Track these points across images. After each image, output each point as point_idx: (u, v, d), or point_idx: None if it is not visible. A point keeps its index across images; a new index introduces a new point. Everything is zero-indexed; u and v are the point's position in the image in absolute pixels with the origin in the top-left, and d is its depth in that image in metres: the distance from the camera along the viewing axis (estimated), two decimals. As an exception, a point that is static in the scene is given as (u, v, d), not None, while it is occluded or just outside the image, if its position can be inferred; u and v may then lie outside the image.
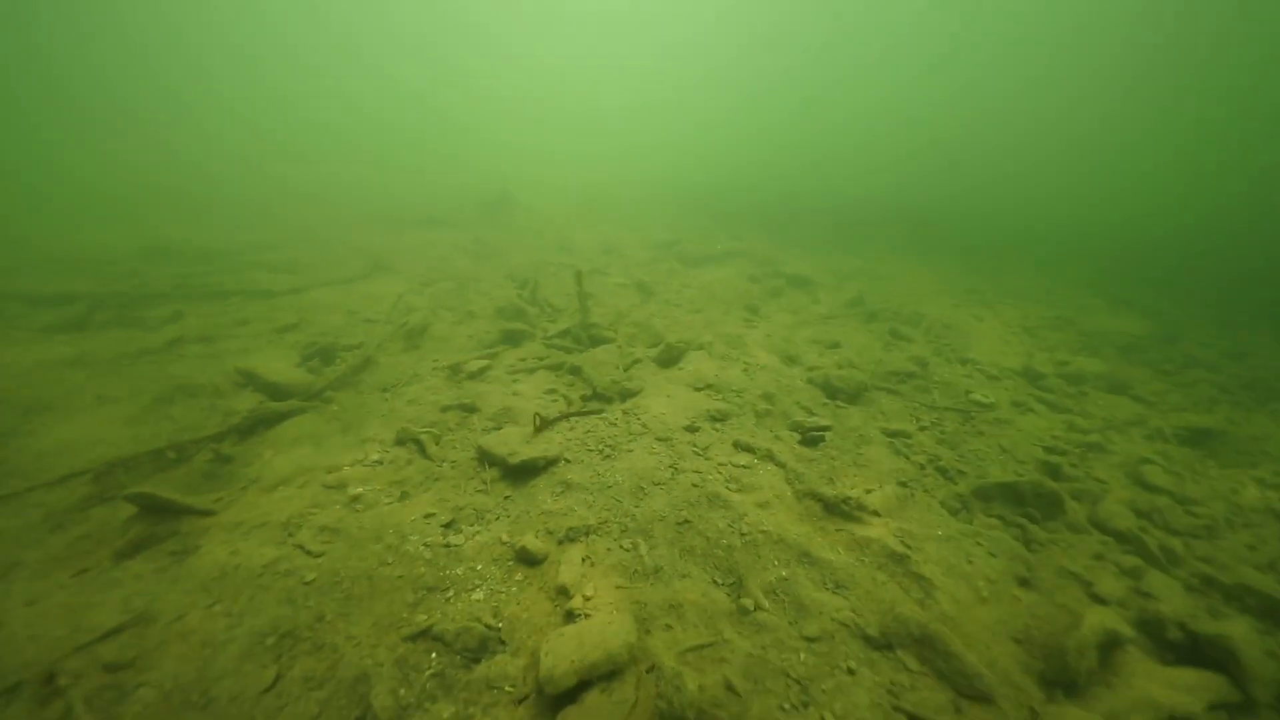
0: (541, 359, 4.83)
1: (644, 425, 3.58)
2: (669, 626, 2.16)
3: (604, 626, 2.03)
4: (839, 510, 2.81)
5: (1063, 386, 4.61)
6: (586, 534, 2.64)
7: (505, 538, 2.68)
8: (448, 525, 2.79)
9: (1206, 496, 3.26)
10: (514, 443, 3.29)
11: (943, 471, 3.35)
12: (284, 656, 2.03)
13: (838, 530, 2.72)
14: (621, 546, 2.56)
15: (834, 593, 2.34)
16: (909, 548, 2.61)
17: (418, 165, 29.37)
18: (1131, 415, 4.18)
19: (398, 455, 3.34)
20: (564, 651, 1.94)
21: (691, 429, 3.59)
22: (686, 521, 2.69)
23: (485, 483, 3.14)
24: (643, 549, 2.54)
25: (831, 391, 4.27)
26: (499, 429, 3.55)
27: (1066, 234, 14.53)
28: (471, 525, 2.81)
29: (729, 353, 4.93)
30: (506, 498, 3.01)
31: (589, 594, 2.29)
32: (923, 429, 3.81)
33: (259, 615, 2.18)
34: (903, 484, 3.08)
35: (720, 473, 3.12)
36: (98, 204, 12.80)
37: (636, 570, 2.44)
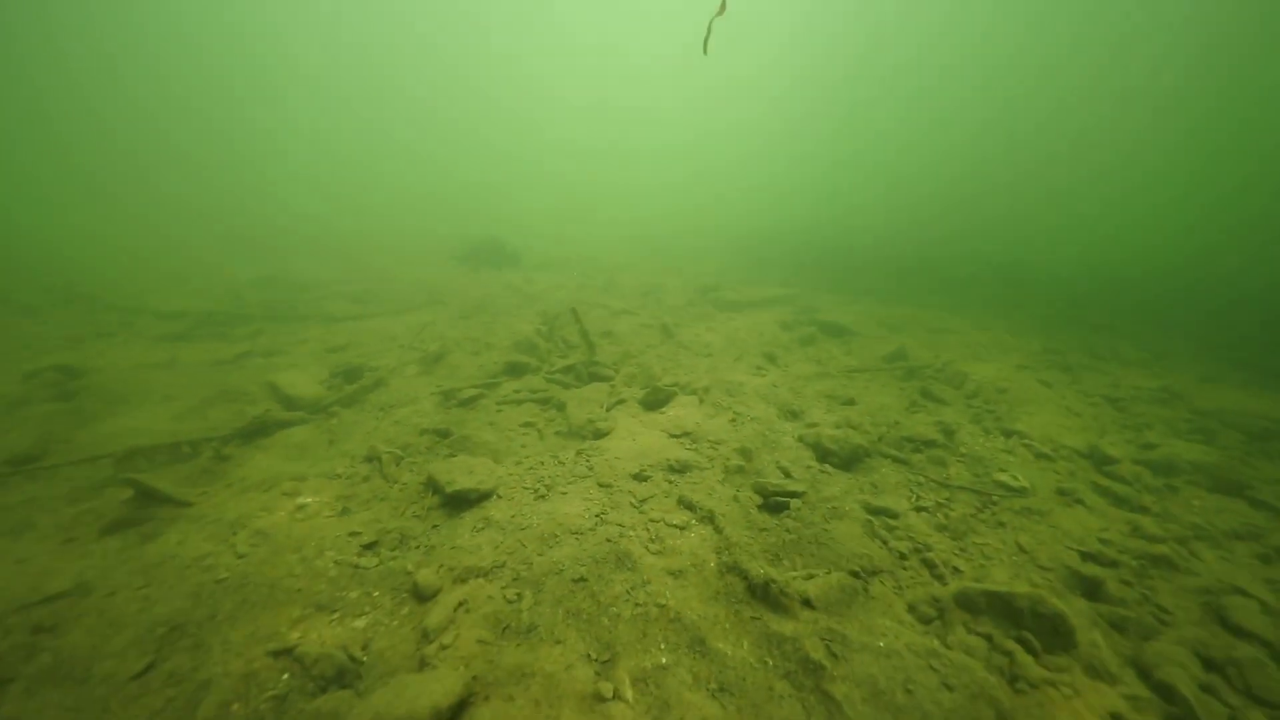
0: (535, 392, 4.92)
1: (590, 468, 3.44)
2: (509, 698, 1.96)
3: (430, 683, 1.91)
4: (762, 594, 2.41)
5: (1141, 476, 3.61)
6: (477, 576, 2.55)
7: (410, 568, 2.68)
8: (368, 546, 2.87)
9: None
10: (457, 472, 3.34)
11: (929, 565, 2.75)
12: (164, 648, 2.18)
13: (752, 618, 2.33)
14: (504, 596, 2.42)
15: (712, 697, 1.97)
16: (833, 656, 2.14)
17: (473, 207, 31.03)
18: (1238, 525, 3.12)
19: (359, 471, 3.55)
20: (383, 701, 1.85)
21: (640, 478, 3.37)
22: (583, 579, 2.48)
23: (424, 509, 3.20)
24: (525, 602, 2.38)
25: (823, 454, 3.78)
26: (454, 456, 3.64)
27: (1176, 283, 11.78)
28: (391, 550, 2.86)
29: (723, 400, 4.63)
30: (435, 526, 3.03)
31: (446, 643, 2.18)
32: (920, 509, 3.19)
33: (166, 605, 2.38)
34: (856, 574, 2.58)
35: (647, 530, 2.87)
36: (215, 244, 15.89)
37: (509, 626, 2.28)
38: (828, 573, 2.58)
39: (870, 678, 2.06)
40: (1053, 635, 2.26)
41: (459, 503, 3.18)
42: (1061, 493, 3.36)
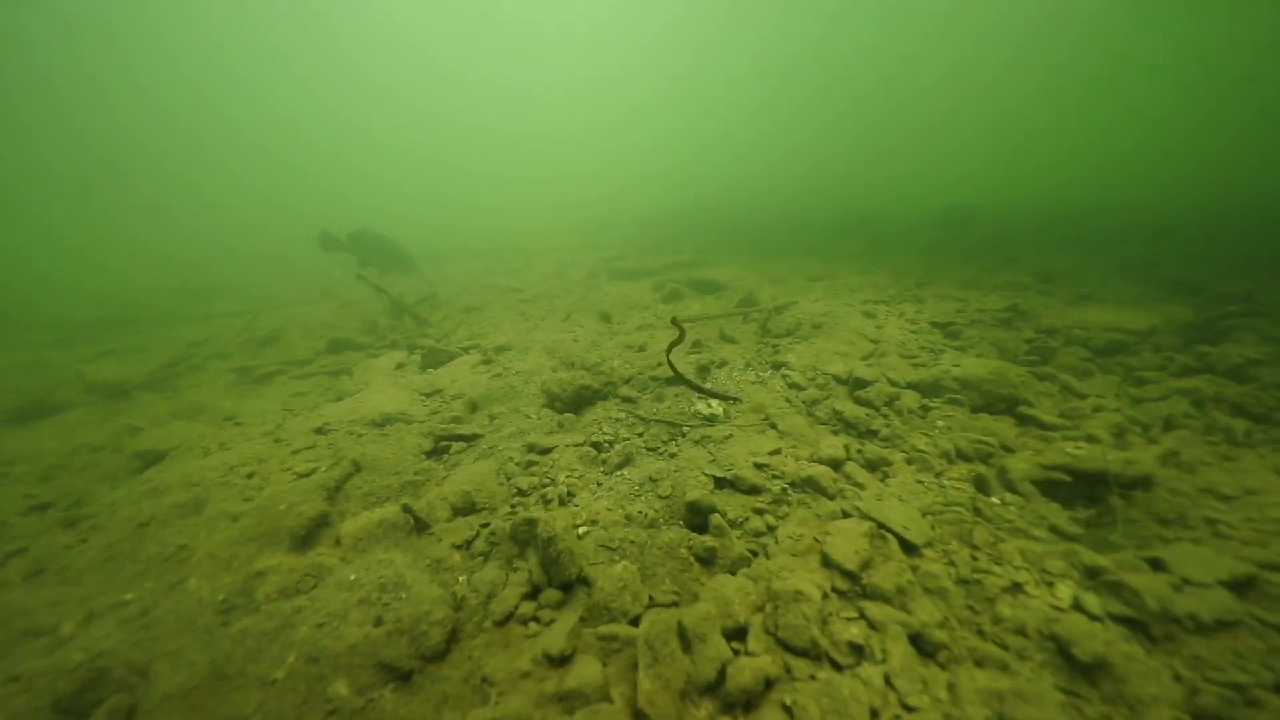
0: (335, 365, 4.91)
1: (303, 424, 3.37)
2: None
3: None
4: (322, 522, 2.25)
5: (897, 398, 3.09)
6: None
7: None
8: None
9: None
10: (155, 440, 3.36)
11: (545, 501, 2.48)
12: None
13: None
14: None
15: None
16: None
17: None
18: (970, 444, 2.61)
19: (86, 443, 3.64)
20: None
21: (323, 431, 3.27)
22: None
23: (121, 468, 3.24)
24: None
25: (551, 398, 3.52)
26: (184, 423, 3.67)
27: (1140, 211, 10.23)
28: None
29: (506, 358, 4.43)
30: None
31: None
32: (594, 444, 2.90)
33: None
34: (406, 507, 2.33)
35: (282, 464, 2.77)
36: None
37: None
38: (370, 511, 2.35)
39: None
40: (551, 565, 1.95)
41: (150, 458, 3.20)
42: (766, 419, 2.94)
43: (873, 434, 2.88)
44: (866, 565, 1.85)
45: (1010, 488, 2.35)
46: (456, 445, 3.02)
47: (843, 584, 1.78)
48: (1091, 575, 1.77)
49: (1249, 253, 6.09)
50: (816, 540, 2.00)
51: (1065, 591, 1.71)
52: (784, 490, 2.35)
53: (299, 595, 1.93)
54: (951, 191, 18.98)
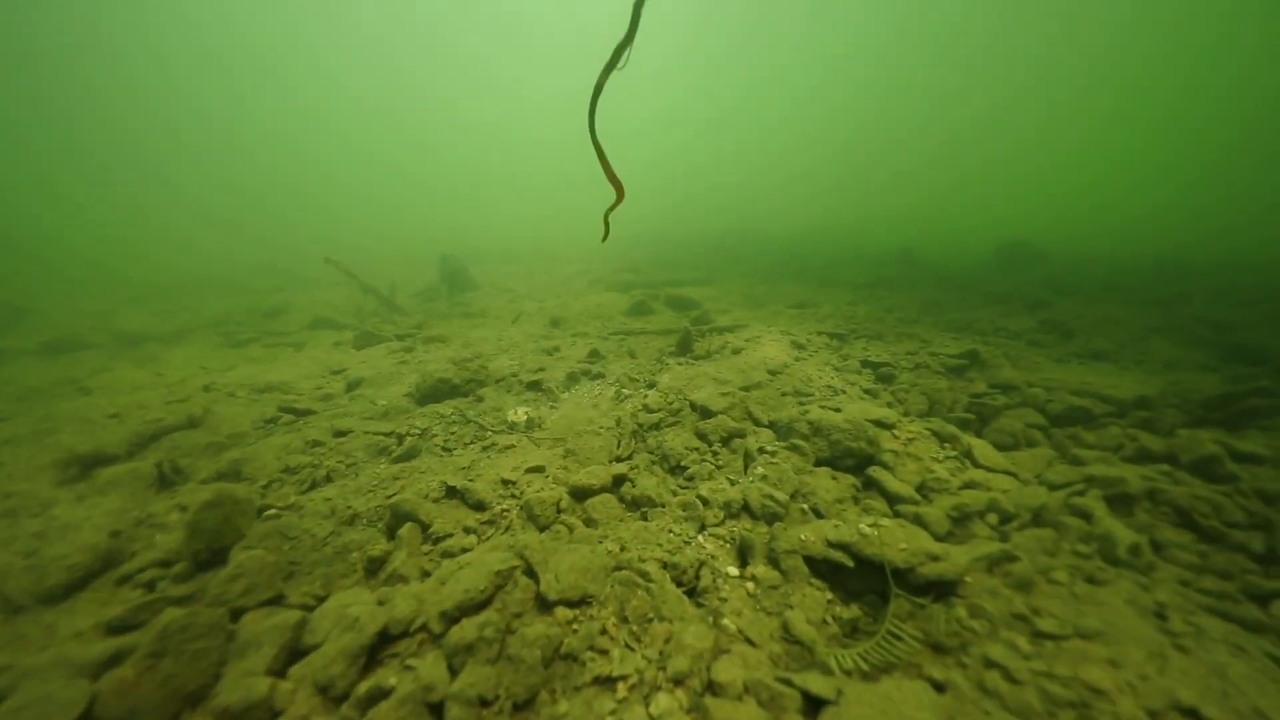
0: (294, 336, 5.38)
1: (214, 384, 3.73)
2: None
3: None
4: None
5: (730, 435, 2.62)
6: None
7: None
8: None
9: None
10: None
11: (313, 483, 2.45)
12: None
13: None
14: None
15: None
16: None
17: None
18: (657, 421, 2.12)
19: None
20: None
21: (209, 389, 3.57)
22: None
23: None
24: None
25: (415, 388, 3.51)
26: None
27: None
28: None
29: (420, 350, 4.55)
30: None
31: None
32: (401, 436, 2.82)
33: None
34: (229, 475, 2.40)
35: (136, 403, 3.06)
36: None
37: None
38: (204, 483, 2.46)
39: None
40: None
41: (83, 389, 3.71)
42: (561, 439, 2.65)
43: (681, 470, 2.48)
44: (482, 605, 1.55)
45: (774, 560, 1.86)
46: (286, 417, 3.13)
47: (437, 626, 1.51)
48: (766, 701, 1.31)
49: None
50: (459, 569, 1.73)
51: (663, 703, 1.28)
52: (504, 512, 2.08)
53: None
54: (1015, 225, 16.62)
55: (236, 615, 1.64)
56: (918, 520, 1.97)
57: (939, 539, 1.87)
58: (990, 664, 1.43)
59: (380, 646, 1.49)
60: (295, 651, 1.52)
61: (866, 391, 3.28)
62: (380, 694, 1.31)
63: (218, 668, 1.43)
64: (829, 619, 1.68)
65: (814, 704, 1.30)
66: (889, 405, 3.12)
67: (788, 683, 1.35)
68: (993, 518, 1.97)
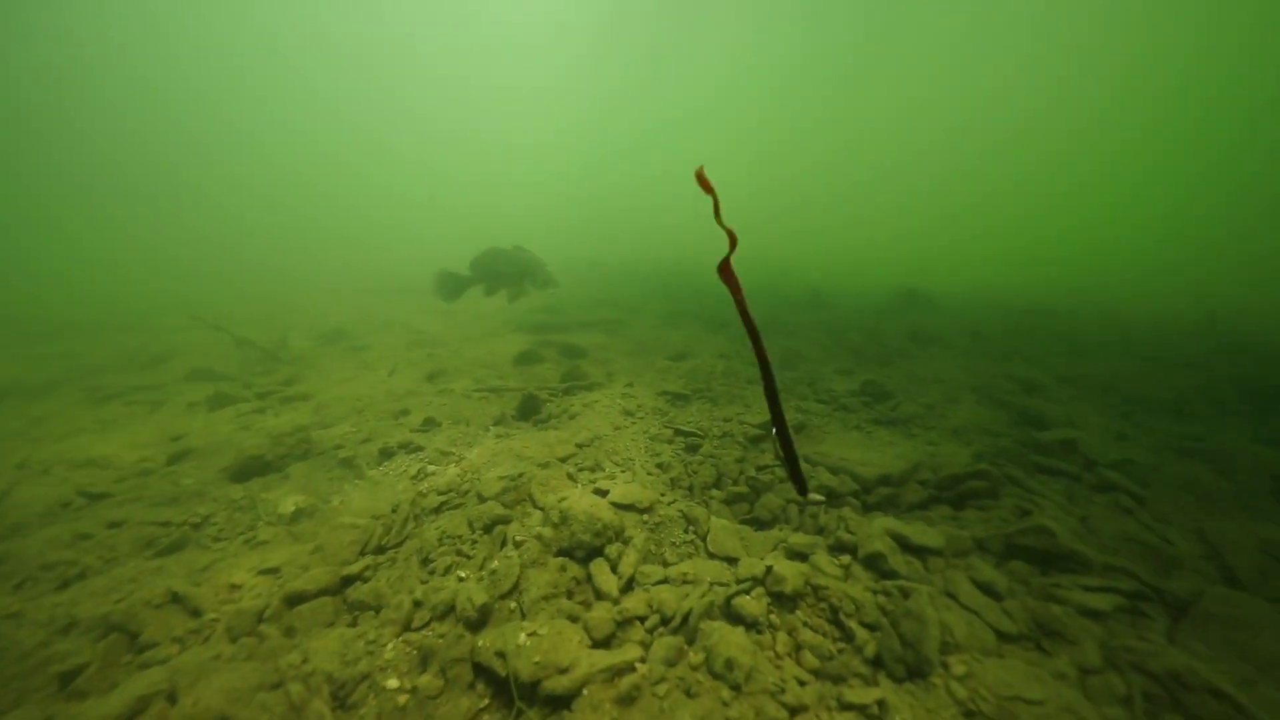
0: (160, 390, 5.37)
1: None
2: None
3: None
4: None
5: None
6: None
7: None
8: None
9: None
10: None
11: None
12: None
13: None
14: None
15: None
16: None
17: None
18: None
19: None
20: None
21: (22, 466, 3.57)
22: None
23: None
24: None
25: (233, 463, 3.59)
26: None
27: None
28: None
29: (273, 410, 4.61)
30: None
31: None
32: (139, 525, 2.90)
33: None
34: None
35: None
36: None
37: None
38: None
39: None
40: None
41: None
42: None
43: (428, 563, 2.63)
44: (109, 740, 1.66)
45: (443, 669, 2.01)
46: (79, 501, 3.17)
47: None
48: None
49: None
50: None
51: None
52: (213, 621, 2.20)
53: None
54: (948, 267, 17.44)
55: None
56: (581, 622, 2.14)
57: (595, 645, 2.05)
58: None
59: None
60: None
61: (659, 465, 3.49)
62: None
63: None
64: (467, 730, 1.84)
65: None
66: (671, 481, 3.34)
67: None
68: (654, 619, 2.17)
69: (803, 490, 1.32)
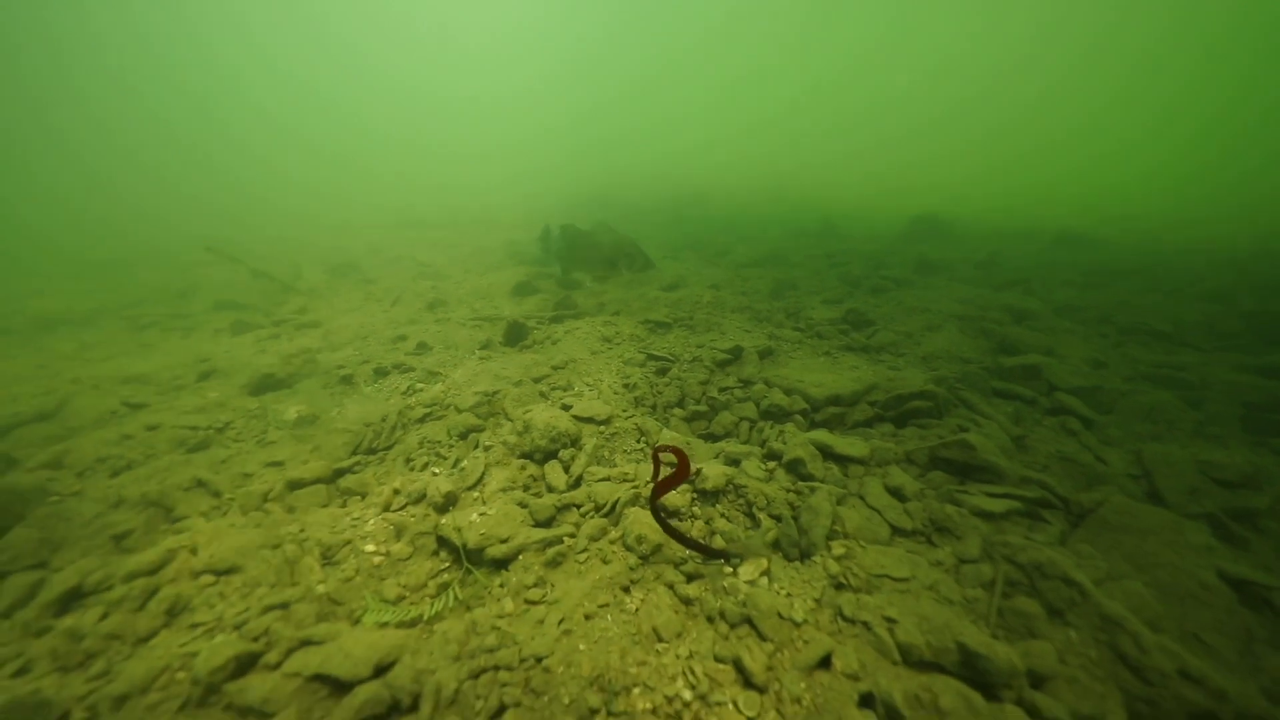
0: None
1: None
2: None
3: None
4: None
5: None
6: None
7: None
8: None
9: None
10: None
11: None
12: None
13: None
14: None
15: None
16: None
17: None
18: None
19: None
20: None
21: (77, 381, 4.11)
22: None
23: None
24: None
25: (254, 378, 4.04)
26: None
27: None
28: None
29: (285, 336, 5.03)
30: None
31: None
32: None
33: None
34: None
35: None
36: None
37: None
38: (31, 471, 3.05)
39: None
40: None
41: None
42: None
43: (410, 462, 3.02)
44: (151, 571, 2.14)
45: (413, 539, 2.42)
46: (123, 409, 3.69)
47: (119, 586, 2.11)
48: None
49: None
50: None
51: None
52: (230, 500, 2.66)
53: None
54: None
55: (4, 576, 2.26)
56: (529, 508, 2.48)
57: (537, 524, 2.40)
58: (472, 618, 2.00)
59: (73, 598, 2.10)
60: (24, 599, 2.13)
61: (625, 385, 3.73)
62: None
63: (-46, 615, 2.05)
64: (429, 583, 2.26)
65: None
66: (636, 399, 3.59)
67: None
68: (589, 506, 2.49)
69: (709, 556, 1.46)
